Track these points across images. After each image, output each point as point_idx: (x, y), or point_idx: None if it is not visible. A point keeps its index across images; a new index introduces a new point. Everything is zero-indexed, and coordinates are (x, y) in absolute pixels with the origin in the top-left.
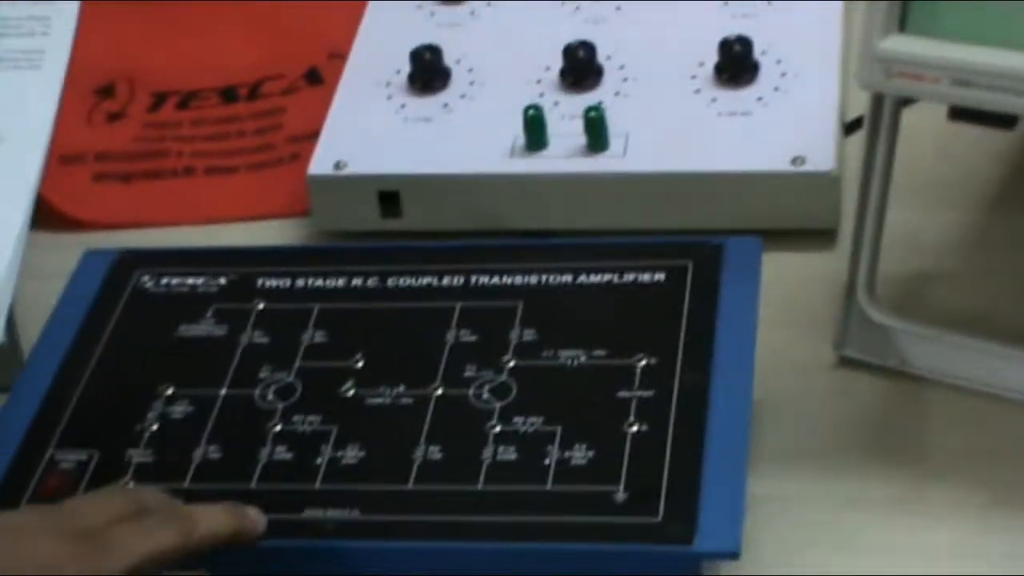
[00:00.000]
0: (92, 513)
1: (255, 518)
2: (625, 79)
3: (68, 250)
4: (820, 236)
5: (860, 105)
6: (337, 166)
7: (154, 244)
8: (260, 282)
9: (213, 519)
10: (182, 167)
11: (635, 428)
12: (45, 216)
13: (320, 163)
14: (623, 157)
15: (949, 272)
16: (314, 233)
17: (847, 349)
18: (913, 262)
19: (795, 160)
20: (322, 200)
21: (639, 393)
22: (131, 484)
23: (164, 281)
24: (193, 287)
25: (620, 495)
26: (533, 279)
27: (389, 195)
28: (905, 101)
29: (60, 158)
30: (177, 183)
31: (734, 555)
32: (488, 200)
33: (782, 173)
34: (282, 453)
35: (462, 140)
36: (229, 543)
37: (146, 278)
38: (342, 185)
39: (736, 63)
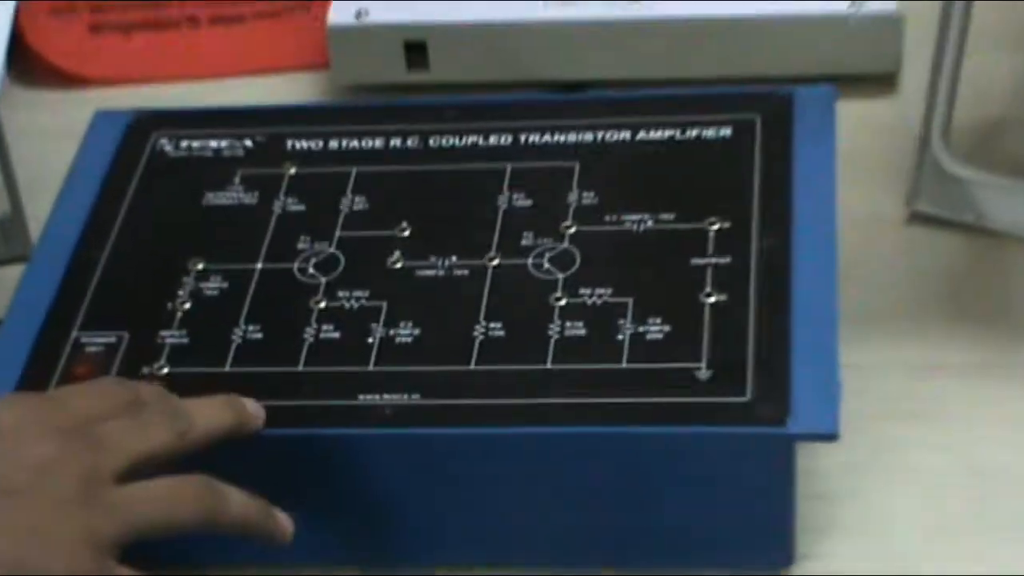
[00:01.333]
0: (84, 407)
1: (254, 411)
2: None
3: (72, 108)
4: (879, 82)
5: None
6: (358, 15)
7: (163, 103)
8: (290, 144)
9: (211, 414)
10: (185, 16)
11: (713, 298)
12: (43, 73)
13: (340, 11)
14: (667, 0)
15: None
16: (333, 88)
17: (920, 203)
18: (986, 109)
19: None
20: (342, 52)
21: (714, 260)
22: (166, 369)
23: (185, 144)
24: (217, 150)
25: (703, 372)
26: (588, 136)
27: (415, 45)
28: None
29: (52, 9)
30: (180, 35)
31: (832, 437)
32: (521, 49)
33: (840, 15)
34: (329, 332)
35: None
36: (228, 438)
37: (164, 141)
38: (364, 35)
39: None
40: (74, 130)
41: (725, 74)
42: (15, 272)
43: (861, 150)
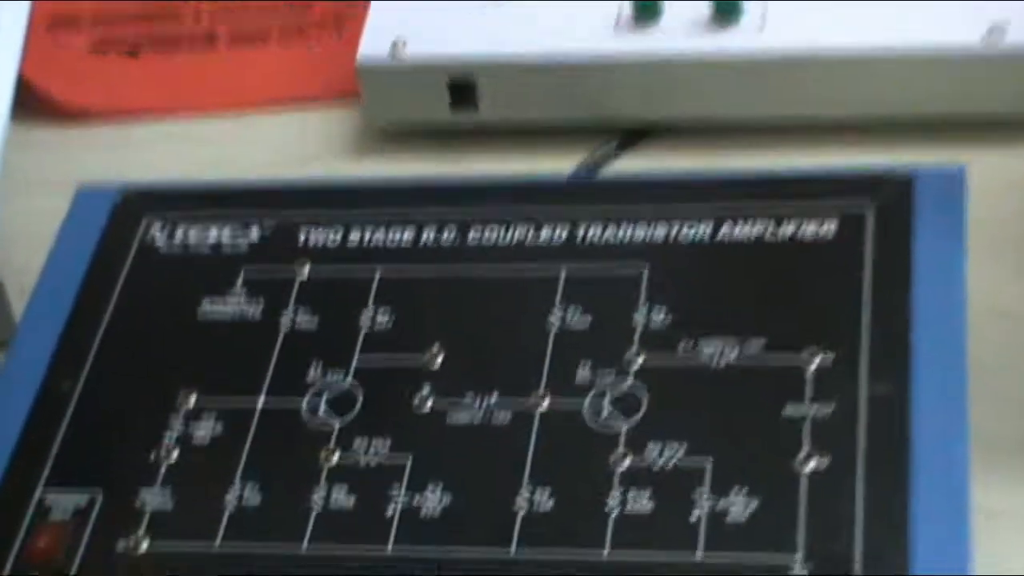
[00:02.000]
0: None
1: None
2: None
3: (69, 148)
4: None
5: None
6: (394, 47)
7: (173, 142)
8: (303, 234)
9: None
10: (201, 33)
11: (812, 464)
12: (32, 105)
13: (372, 44)
14: (760, 32)
15: None
16: (367, 126)
17: None
18: None
19: (992, 31)
20: (375, 90)
21: (813, 409)
22: (145, 544)
23: (180, 234)
24: (217, 244)
25: (798, 567)
26: (660, 232)
27: (461, 82)
28: None
29: (48, 26)
30: (195, 57)
31: None
32: (586, 87)
33: (973, 49)
34: (341, 498)
35: (554, 11)
36: None
37: (156, 228)
38: (400, 73)
39: None
40: (68, 180)
41: (837, 115)
42: None
43: (1002, 216)
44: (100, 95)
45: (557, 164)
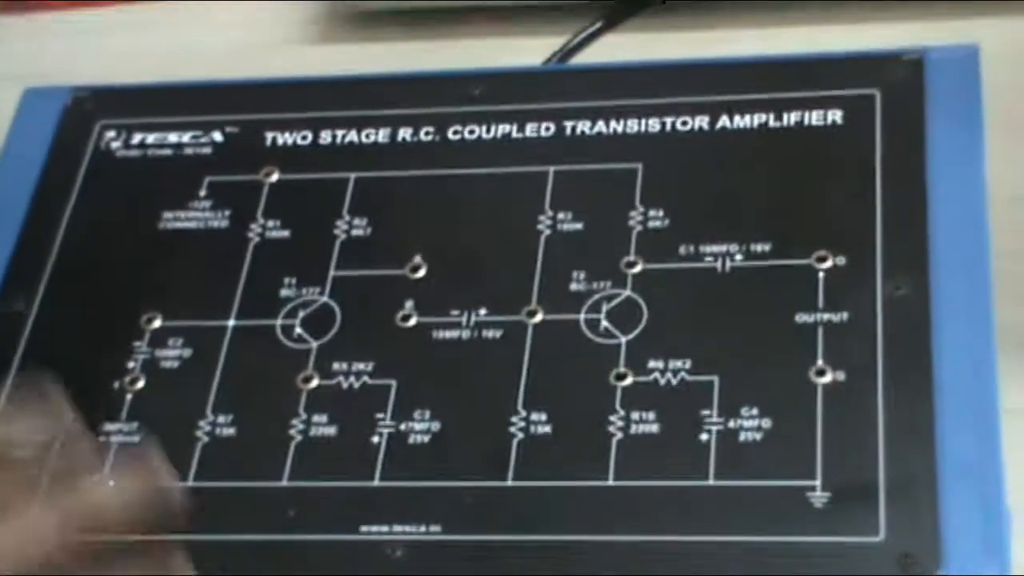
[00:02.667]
0: None
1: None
2: None
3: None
4: None
5: None
6: None
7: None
8: (270, 137)
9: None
10: None
11: (827, 376)
12: None
13: None
14: None
15: None
16: (336, 16)
17: None
18: None
19: None
20: None
21: (826, 316)
22: (112, 480)
23: (137, 139)
24: (178, 148)
25: (818, 495)
26: (654, 124)
27: None
28: None
29: None
30: None
31: None
32: None
33: None
34: (321, 425)
35: None
36: None
37: (111, 135)
38: None
39: None
40: (7, 72)
41: None
42: None
43: (1012, 93)
44: None
45: (539, 45)
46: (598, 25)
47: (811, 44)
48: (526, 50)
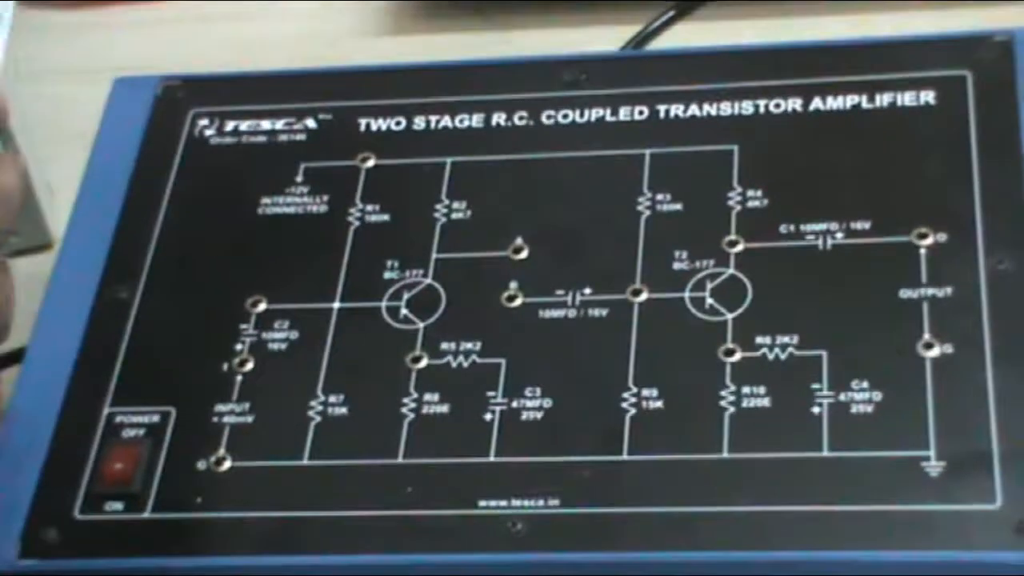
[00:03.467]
0: None
1: None
2: None
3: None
4: None
5: None
6: None
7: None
8: (363, 123)
9: None
10: None
11: (935, 350)
12: None
13: None
14: None
15: None
16: (407, 5)
17: None
18: None
19: None
20: None
21: (931, 291)
22: (228, 462)
23: (231, 126)
24: (272, 135)
25: (933, 464)
26: (747, 106)
27: None
28: None
29: None
30: None
31: None
32: None
33: None
34: (433, 404)
35: None
36: None
37: (205, 122)
38: None
39: None
40: (87, 67)
41: None
42: (28, 265)
43: None
44: None
45: (609, 34)
46: (670, 14)
47: (895, 29)
48: (596, 40)
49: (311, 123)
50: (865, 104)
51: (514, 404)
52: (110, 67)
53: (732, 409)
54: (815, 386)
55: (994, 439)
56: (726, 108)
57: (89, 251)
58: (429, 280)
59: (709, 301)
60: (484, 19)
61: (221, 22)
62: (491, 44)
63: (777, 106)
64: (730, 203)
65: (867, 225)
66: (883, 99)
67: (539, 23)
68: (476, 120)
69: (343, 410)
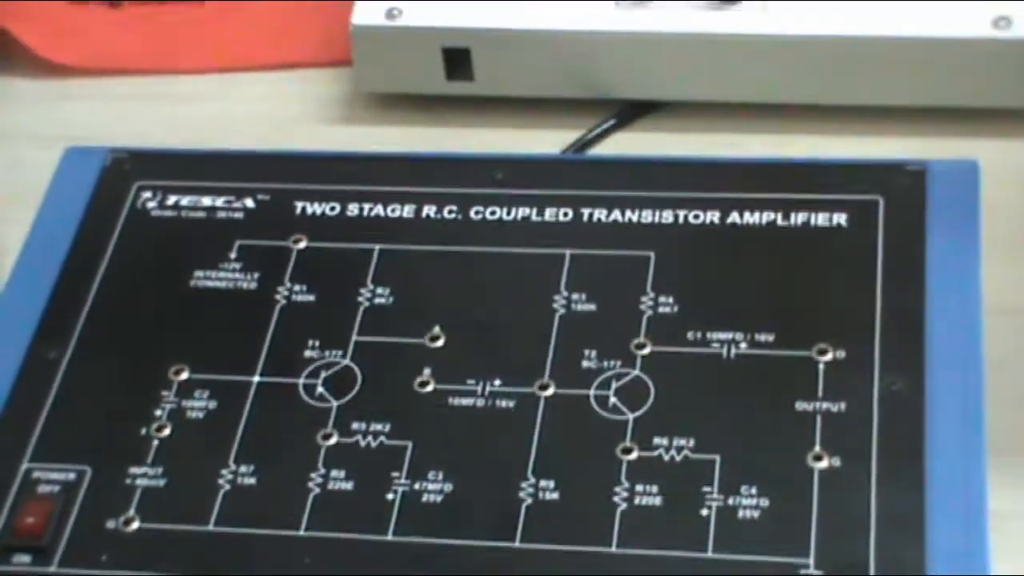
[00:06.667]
0: None
1: None
2: None
3: (50, 103)
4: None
5: None
6: (390, 15)
7: (155, 102)
8: (299, 206)
9: None
10: None
11: (824, 462)
12: (11, 55)
13: (367, 9)
14: (762, 13)
15: None
16: (357, 95)
17: None
18: None
19: (998, 22)
20: (369, 56)
21: (825, 405)
22: (136, 523)
23: (172, 200)
24: (211, 211)
25: (812, 572)
26: (667, 215)
27: (457, 52)
28: None
29: None
30: (179, 10)
31: None
32: (582, 61)
33: (980, 39)
34: (339, 480)
35: None
36: None
37: (148, 195)
38: (396, 39)
39: None
40: (50, 133)
41: (831, 102)
42: None
43: (1014, 208)
44: (81, 49)
45: (552, 138)
46: (611, 123)
47: (813, 152)
48: (539, 142)
49: (249, 202)
50: (780, 221)
51: (416, 486)
52: (65, 136)
53: (624, 505)
54: (706, 488)
55: (871, 553)
56: (647, 216)
57: (24, 310)
58: (347, 361)
59: (612, 400)
60: (431, 115)
61: (181, 100)
62: (435, 139)
63: (696, 217)
64: (642, 307)
65: (771, 337)
66: (798, 218)
67: (484, 122)
68: (407, 211)
69: (252, 480)
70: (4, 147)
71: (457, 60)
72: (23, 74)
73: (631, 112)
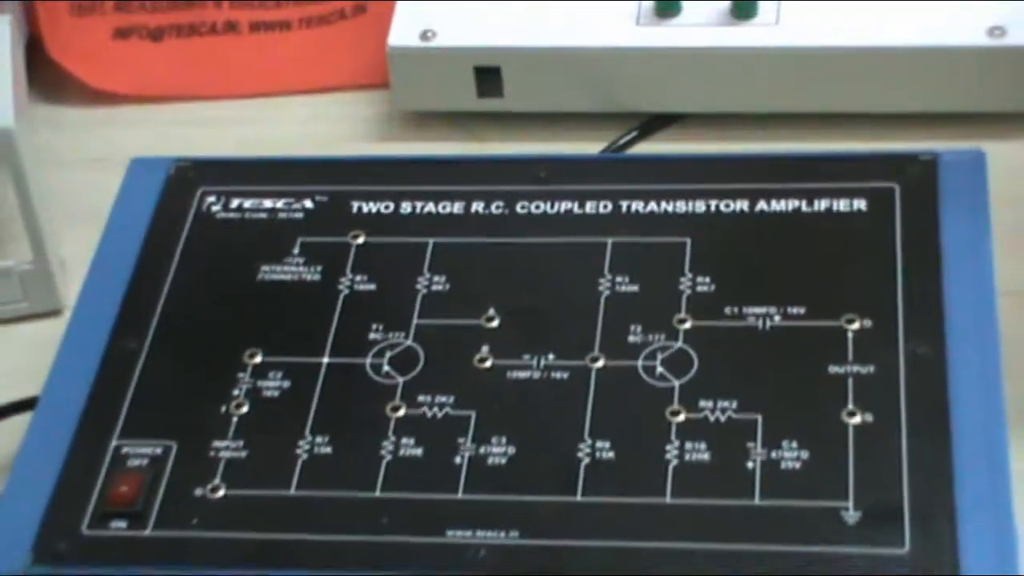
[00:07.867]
0: None
1: None
2: None
3: (98, 128)
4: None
5: None
6: (424, 36)
7: (200, 124)
8: (356, 206)
9: None
10: (223, 21)
11: (857, 418)
12: (64, 85)
13: (402, 32)
14: (775, 26)
15: None
16: (393, 113)
17: None
18: None
19: (993, 31)
20: (404, 76)
21: (855, 368)
22: (222, 491)
23: (235, 203)
24: (272, 212)
25: (850, 514)
26: (700, 205)
27: (488, 70)
28: None
29: (73, 9)
30: (218, 42)
31: None
32: (607, 78)
33: (976, 48)
34: (409, 447)
35: (579, 6)
36: None
37: (212, 199)
38: (430, 59)
39: None
40: (100, 156)
41: (847, 109)
42: (38, 329)
43: (1012, 204)
44: (126, 78)
45: (578, 151)
46: (633, 134)
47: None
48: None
49: (308, 204)
50: (804, 208)
51: (481, 450)
52: (114, 160)
53: (676, 461)
54: (750, 444)
55: (905, 494)
56: (681, 207)
57: (101, 308)
58: (410, 342)
59: (659, 369)
60: (465, 132)
61: (225, 124)
62: (471, 152)
63: (727, 206)
64: (681, 287)
65: (802, 310)
66: (821, 204)
67: (514, 137)
68: (457, 207)
69: (328, 449)
70: (58, 171)
71: (488, 78)
72: (73, 103)
73: (653, 124)
